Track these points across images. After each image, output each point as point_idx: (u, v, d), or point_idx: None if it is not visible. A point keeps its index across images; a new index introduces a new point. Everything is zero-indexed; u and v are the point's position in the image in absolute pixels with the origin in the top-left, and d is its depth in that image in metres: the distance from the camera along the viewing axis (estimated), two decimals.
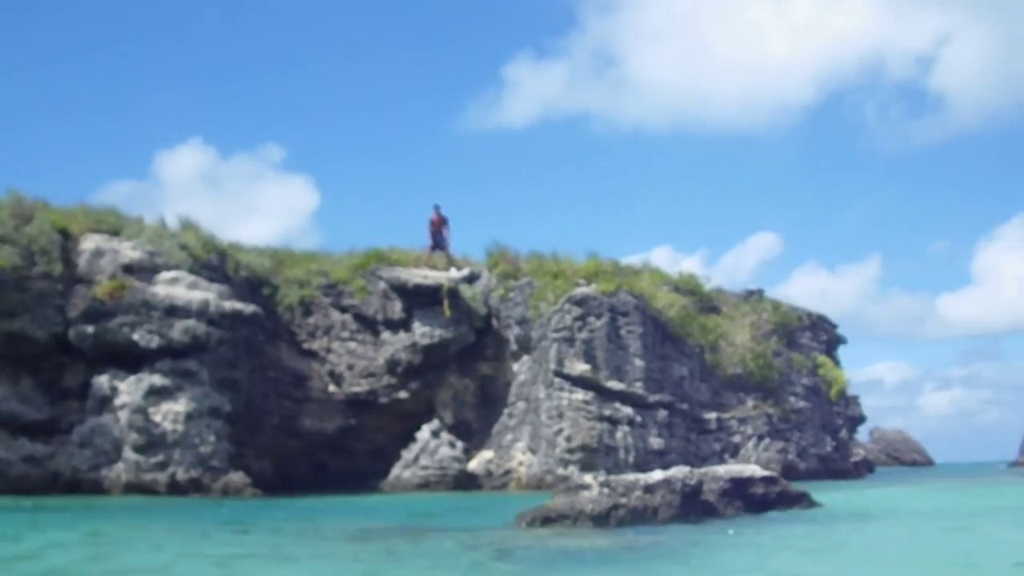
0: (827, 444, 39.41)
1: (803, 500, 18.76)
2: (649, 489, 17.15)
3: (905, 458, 61.63)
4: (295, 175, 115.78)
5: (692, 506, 17.17)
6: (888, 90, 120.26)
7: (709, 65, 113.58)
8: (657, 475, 17.69)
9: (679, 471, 17.84)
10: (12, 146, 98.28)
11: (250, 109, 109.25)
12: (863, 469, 44.00)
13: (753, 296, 40.88)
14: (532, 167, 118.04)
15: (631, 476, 18.16)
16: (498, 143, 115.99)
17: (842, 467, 40.20)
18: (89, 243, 29.96)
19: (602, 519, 16.50)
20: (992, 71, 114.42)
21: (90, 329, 28.62)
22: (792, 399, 38.08)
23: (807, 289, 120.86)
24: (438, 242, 35.65)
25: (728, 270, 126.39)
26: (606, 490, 17.11)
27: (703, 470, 18.27)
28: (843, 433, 41.58)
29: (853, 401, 43.76)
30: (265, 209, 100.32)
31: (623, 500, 16.94)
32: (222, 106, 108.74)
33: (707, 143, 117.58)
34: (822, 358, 41.01)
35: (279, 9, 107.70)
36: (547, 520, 16.66)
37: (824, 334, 42.51)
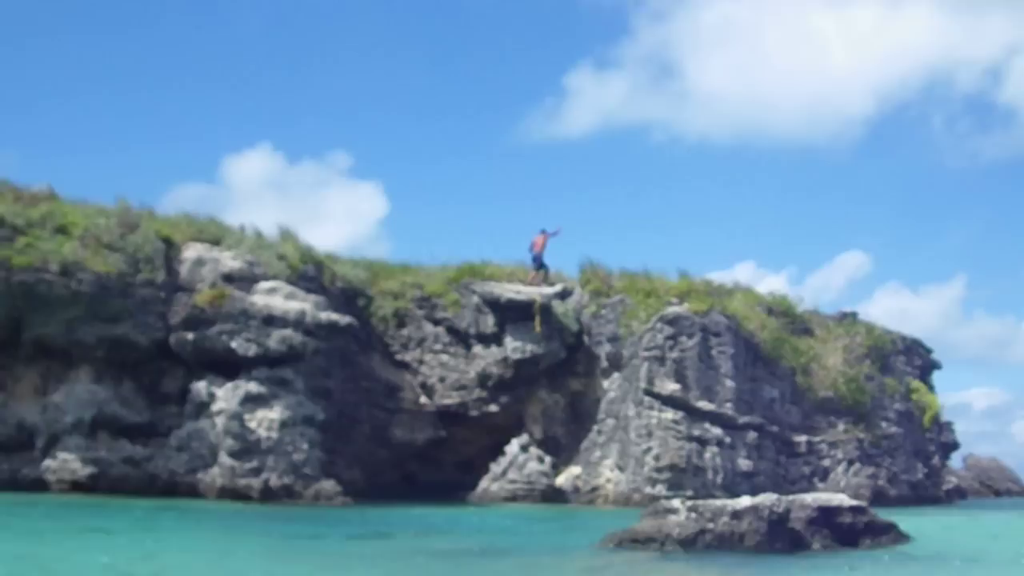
0: (919, 471, 38.92)
1: (891, 531, 18.64)
2: (736, 515, 17.20)
3: (1000, 487, 60.36)
4: (363, 182, 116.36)
5: (779, 534, 17.18)
6: (955, 103, 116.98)
7: (768, 75, 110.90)
8: (745, 501, 17.72)
9: (767, 498, 17.85)
10: (84, 147, 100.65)
11: (318, 116, 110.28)
12: (955, 497, 43.38)
13: (847, 319, 40.52)
14: (594, 178, 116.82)
15: (719, 501, 18.21)
16: (558, 153, 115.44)
17: (933, 494, 39.69)
18: (191, 252, 30.67)
19: (689, 543, 16.60)
20: None
21: (190, 336, 29.31)
22: (884, 424, 37.68)
23: (888, 309, 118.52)
24: (541, 263, 35.87)
25: (815, 289, 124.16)
26: (693, 515, 17.20)
27: (791, 498, 18.25)
28: (935, 460, 41.05)
29: (946, 427, 43.21)
30: (333, 215, 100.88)
31: (710, 525, 17.02)
32: (290, 113, 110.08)
33: (770, 155, 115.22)
34: (916, 383, 40.53)
35: (345, 20, 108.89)
36: (634, 542, 16.80)
37: (918, 358, 42.02)
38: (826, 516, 17.91)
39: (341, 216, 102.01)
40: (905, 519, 20.38)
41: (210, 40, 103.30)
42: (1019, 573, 17.00)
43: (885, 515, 19.60)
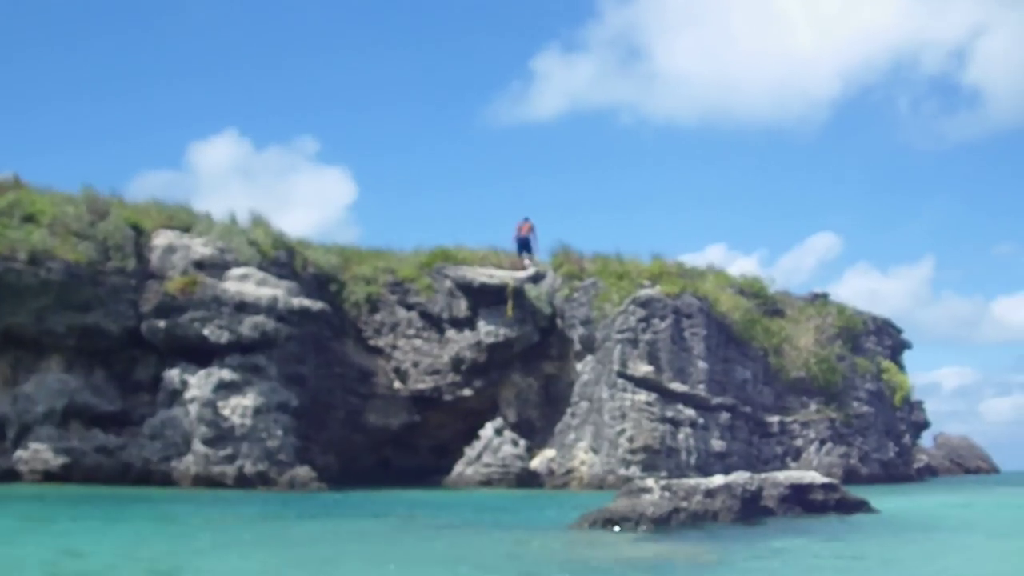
0: (890, 450, 39.21)
1: (862, 507, 18.80)
2: (710, 494, 17.31)
3: (969, 465, 60.89)
4: (331, 167, 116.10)
5: (751, 511, 17.30)
6: (920, 84, 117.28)
7: (735, 57, 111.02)
8: (718, 480, 17.84)
9: (739, 476, 17.96)
10: (46, 133, 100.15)
11: (284, 102, 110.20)
12: (926, 475, 43.72)
13: (818, 300, 40.75)
14: (562, 161, 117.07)
15: (692, 480, 18.31)
16: (526, 137, 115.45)
17: (905, 473, 40.02)
18: (162, 239, 30.54)
19: (663, 522, 16.67)
20: None
21: (162, 324, 29.20)
22: (855, 404, 37.93)
23: (857, 290, 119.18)
24: (525, 247, 36.04)
25: (786, 271, 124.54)
26: (667, 494, 17.29)
27: (763, 476, 18.38)
28: (906, 439, 41.37)
29: (917, 407, 43.54)
30: (301, 201, 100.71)
31: (684, 504, 17.11)
32: (256, 99, 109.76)
33: (738, 137, 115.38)
34: (886, 363, 40.83)
35: (311, 6, 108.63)
36: (609, 521, 16.87)
37: (889, 339, 42.33)
38: (798, 493, 18.05)
39: (309, 202, 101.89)
40: (876, 496, 20.58)
41: (175, 27, 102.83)
42: (971, 537, 17.21)
43: (857, 493, 19.78)
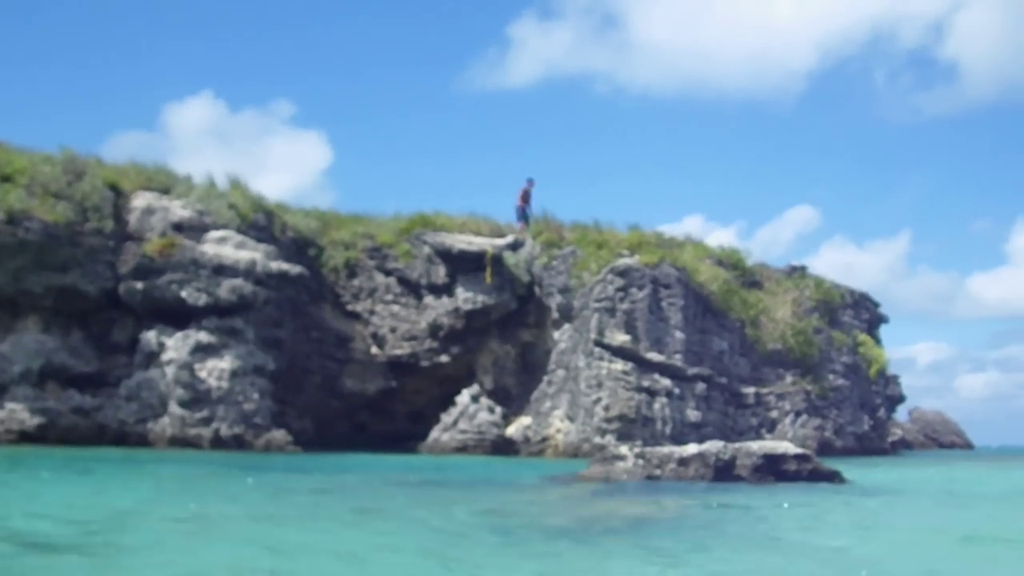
0: (864, 423, 39.43)
1: (834, 478, 18.95)
2: (683, 462, 17.43)
3: (944, 440, 61.32)
4: (307, 131, 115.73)
5: (724, 480, 17.42)
6: (897, 58, 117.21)
7: (711, 26, 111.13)
8: (692, 448, 17.96)
9: (713, 445, 18.09)
10: (19, 94, 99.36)
11: (260, 64, 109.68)
12: (900, 448, 44.03)
13: (796, 272, 40.86)
14: (538, 129, 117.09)
15: (666, 448, 18.44)
16: (502, 104, 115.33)
17: (879, 446, 40.29)
18: (140, 201, 30.45)
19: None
20: (1007, 39, 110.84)
21: (139, 285, 29.16)
22: (831, 376, 38.11)
23: (833, 263, 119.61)
24: (525, 215, 36.26)
25: (764, 243, 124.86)
26: (641, 461, 17.41)
27: (737, 445, 18.50)
28: (881, 412, 41.62)
29: (893, 381, 43.78)
30: (276, 165, 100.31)
31: (657, 471, 17.24)
32: (232, 60, 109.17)
33: (714, 107, 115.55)
34: (863, 336, 40.99)
35: None
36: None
37: (866, 312, 42.48)
38: (771, 463, 18.18)
39: (284, 166, 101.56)
40: (849, 468, 20.74)
41: None
42: (933, 501, 17.40)
43: (830, 465, 19.93)
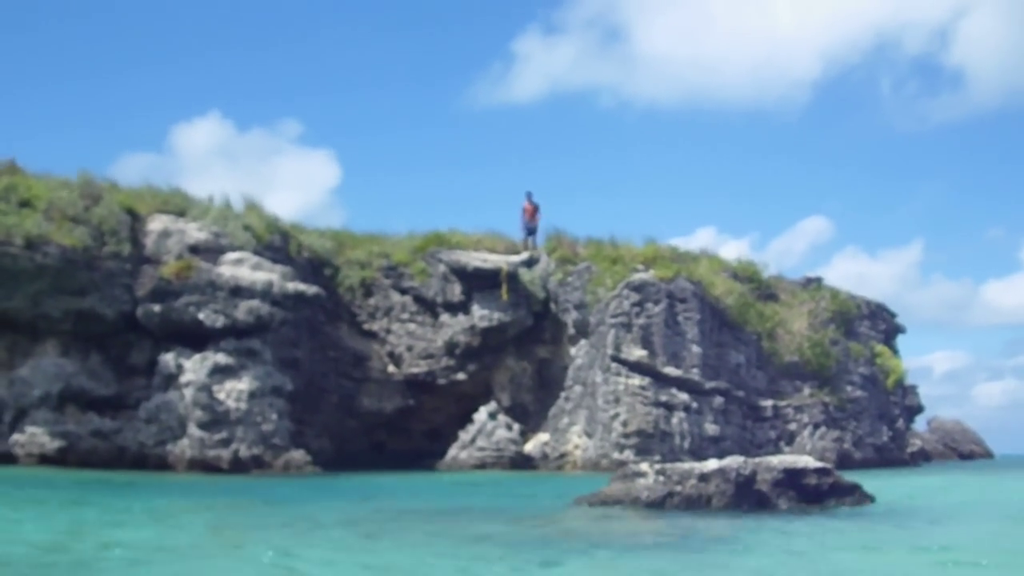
0: (883, 434, 39.33)
1: (855, 492, 18.88)
2: (704, 478, 17.39)
3: (963, 449, 60.90)
4: (315, 150, 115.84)
5: (745, 496, 17.38)
6: (902, 65, 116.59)
7: (714, 37, 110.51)
8: (712, 464, 17.92)
9: (733, 461, 18.04)
10: (29, 116, 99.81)
11: (267, 84, 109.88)
12: (919, 459, 43.83)
13: (812, 284, 40.83)
14: (544, 144, 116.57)
15: (686, 464, 18.40)
16: (507, 119, 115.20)
17: (898, 457, 40.15)
18: (156, 224, 30.54)
19: (657, 506, 16.78)
20: (1011, 44, 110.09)
21: (157, 308, 29.22)
22: (849, 388, 38.03)
23: (846, 274, 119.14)
24: (530, 230, 36.28)
25: (778, 254, 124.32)
26: (661, 478, 17.39)
27: (757, 460, 18.46)
28: (900, 423, 41.50)
29: (911, 391, 43.66)
30: (285, 184, 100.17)
31: (678, 488, 17.21)
32: (239, 80, 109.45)
33: (720, 118, 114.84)
34: (880, 347, 40.91)
35: None
36: (603, 505, 16.97)
37: (882, 323, 42.40)
38: (792, 478, 18.12)
39: (293, 184, 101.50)
40: (869, 481, 20.65)
41: (160, 9, 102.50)
42: (969, 526, 17.26)
43: (850, 477, 19.85)
